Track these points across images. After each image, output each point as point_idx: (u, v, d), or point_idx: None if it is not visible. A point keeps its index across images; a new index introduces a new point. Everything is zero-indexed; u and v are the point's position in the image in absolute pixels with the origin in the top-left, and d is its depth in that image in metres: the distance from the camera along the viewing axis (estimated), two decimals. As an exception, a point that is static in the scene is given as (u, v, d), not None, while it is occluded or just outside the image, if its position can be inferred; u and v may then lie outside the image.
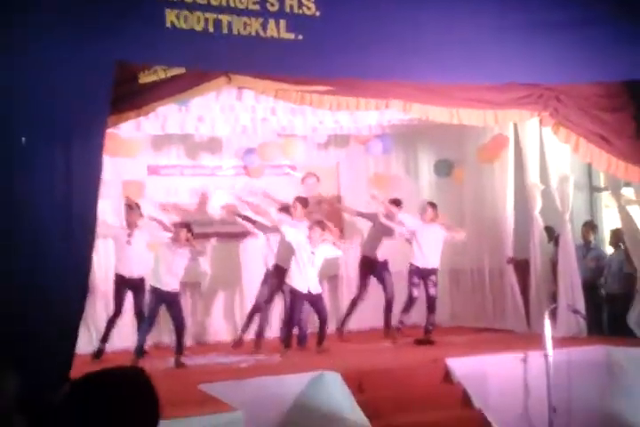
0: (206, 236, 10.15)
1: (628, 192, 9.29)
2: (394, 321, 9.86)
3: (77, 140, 5.64)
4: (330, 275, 10.75)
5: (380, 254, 10.18)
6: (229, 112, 9.11)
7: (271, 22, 6.20)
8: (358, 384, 7.27)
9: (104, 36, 5.61)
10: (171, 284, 8.57)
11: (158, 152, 10.53)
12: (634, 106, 8.08)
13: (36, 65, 5.39)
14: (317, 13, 6.33)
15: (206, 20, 5.95)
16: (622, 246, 9.64)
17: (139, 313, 8.99)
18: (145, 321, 8.66)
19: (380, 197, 10.13)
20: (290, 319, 8.96)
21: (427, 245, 9.50)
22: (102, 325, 9.08)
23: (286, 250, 9.12)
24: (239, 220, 9.96)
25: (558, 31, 7.26)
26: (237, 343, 9.58)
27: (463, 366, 7.85)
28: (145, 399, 1.88)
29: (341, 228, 10.62)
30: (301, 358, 8.65)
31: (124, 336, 9.25)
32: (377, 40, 6.63)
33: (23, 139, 5.38)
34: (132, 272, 9.04)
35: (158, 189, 10.36)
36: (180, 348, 8.48)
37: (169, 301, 8.57)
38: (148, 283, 8.79)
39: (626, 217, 9.11)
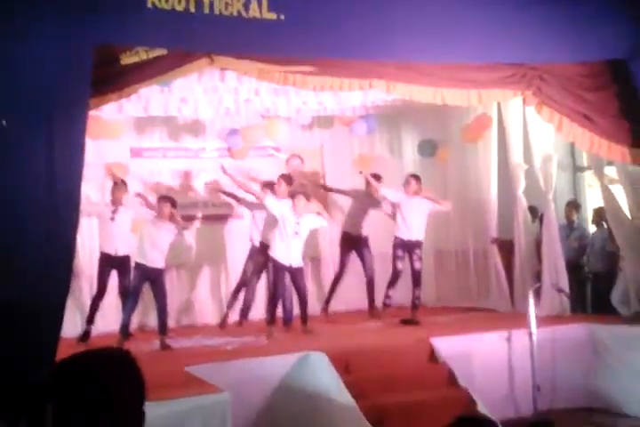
0: (190, 218, 10.12)
1: (610, 171, 9.34)
2: (380, 298, 9.86)
3: (59, 123, 5.59)
4: (312, 256, 10.73)
5: (362, 231, 10.18)
6: (212, 94, 9.06)
7: (253, 2, 6.16)
8: (345, 365, 7.30)
9: (84, 17, 5.55)
10: (156, 260, 8.53)
11: (141, 134, 10.47)
12: (616, 85, 8.09)
13: (15, 48, 5.33)
14: (300, -7, 6.30)
15: (187, -1, 5.91)
16: (605, 225, 9.70)
17: (123, 292, 8.94)
18: (129, 299, 8.62)
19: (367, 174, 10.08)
20: (274, 293, 8.93)
21: (410, 217, 9.48)
22: (87, 308, 9.03)
23: (272, 227, 9.10)
24: (223, 196, 9.93)
25: (541, 10, 7.26)
26: (223, 321, 9.60)
27: (448, 346, 7.90)
28: (131, 380, 1.88)
29: (325, 205, 10.63)
30: (287, 339, 8.66)
31: (109, 319, 9.23)
32: (359, 19, 6.60)
33: (4, 121, 5.33)
34: (116, 250, 8.97)
35: (141, 172, 10.30)
36: (163, 328, 8.46)
37: (153, 278, 8.53)
38: (134, 260, 8.74)
39: (608, 196, 9.15)
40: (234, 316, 9.68)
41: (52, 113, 5.56)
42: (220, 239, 10.63)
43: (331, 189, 10.77)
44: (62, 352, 5.27)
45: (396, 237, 9.57)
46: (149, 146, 10.55)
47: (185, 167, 10.63)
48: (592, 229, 10.39)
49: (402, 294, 9.79)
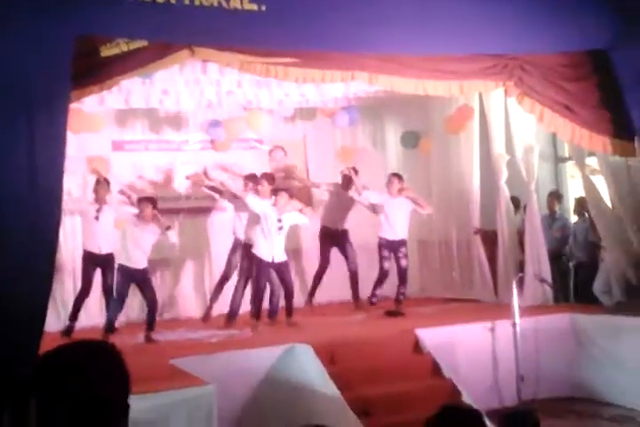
0: (173, 211, 10.08)
1: (592, 162, 9.39)
2: (364, 291, 9.86)
3: (40, 116, 5.56)
4: (294, 248, 10.70)
5: (342, 225, 10.16)
6: (194, 86, 9.00)
7: (234, -7, 6.13)
8: (330, 356, 7.32)
9: (63, 8, 5.51)
10: (139, 261, 8.53)
11: (122, 127, 10.38)
12: (598, 75, 8.12)
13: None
14: (281, -16, 6.28)
15: (168, -10, 5.87)
16: (587, 215, 9.75)
17: (107, 290, 8.91)
18: (115, 301, 8.59)
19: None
20: (256, 290, 8.93)
21: (394, 217, 9.50)
22: (71, 302, 8.98)
23: (254, 225, 9.08)
24: (205, 190, 9.90)
25: (522, 1, 7.27)
26: (206, 314, 9.57)
27: (433, 337, 7.94)
28: (115, 373, 1.86)
29: (309, 198, 10.60)
30: (272, 331, 8.66)
31: (92, 314, 9.20)
32: (341, 11, 6.59)
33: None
34: (100, 248, 8.94)
35: (123, 165, 10.22)
36: (151, 325, 8.47)
37: (139, 279, 8.54)
38: (117, 262, 8.72)
39: (590, 187, 9.19)
40: (217, 309, 9.64)
41: (33, 106, 5.52)
42: (203, 232, 10.58)
43: (304, 182, 10.71)
44: (46, 346, 5.24)
45: (380, 238, 9.57)
46: (131, 139, 10.46)
47: (167, 160, 10.55)
48: (574, 219, 10.43)
49: (387, 286, 9.78)
